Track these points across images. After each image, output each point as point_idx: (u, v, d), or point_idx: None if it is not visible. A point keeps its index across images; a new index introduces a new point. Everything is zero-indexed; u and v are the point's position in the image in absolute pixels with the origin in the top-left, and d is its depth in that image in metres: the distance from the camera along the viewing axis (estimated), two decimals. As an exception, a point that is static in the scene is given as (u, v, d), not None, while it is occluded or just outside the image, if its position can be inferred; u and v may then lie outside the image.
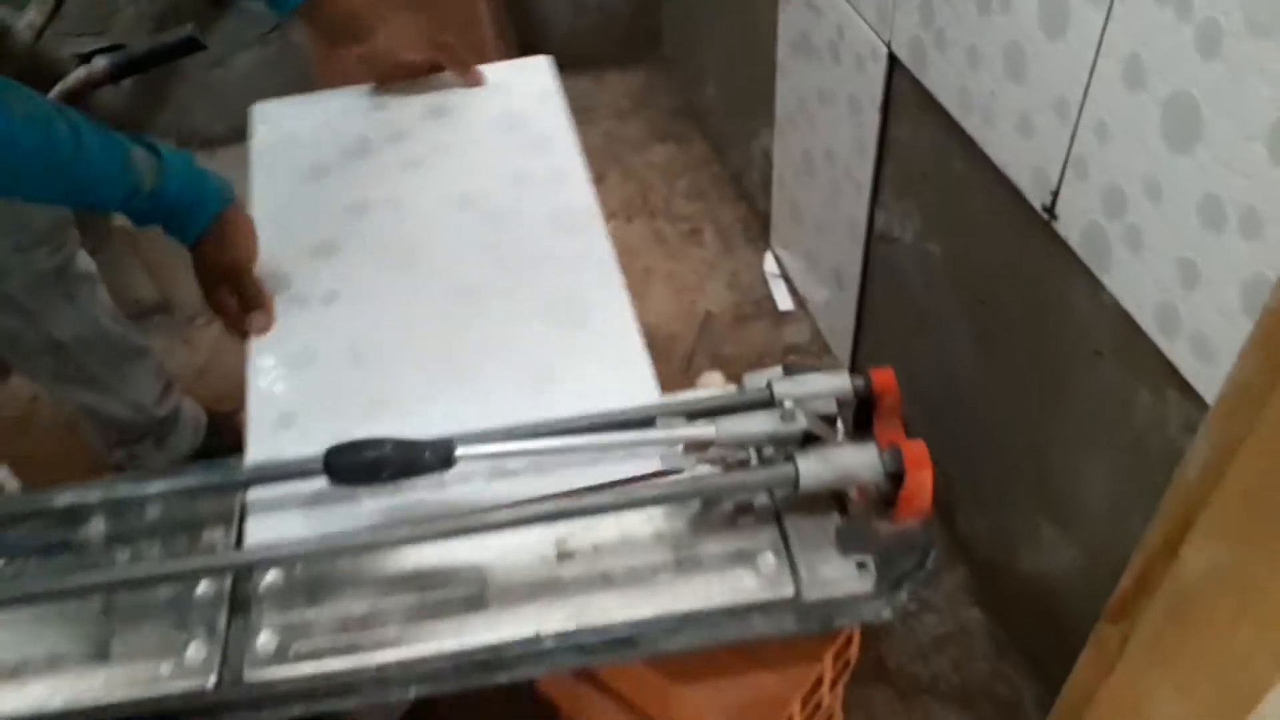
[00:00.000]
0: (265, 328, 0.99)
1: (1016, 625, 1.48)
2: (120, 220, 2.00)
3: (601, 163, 2.38)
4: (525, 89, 1.27)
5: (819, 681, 0.88)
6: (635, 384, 0.92)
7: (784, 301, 2.01)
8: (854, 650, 0.93)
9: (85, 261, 1.53)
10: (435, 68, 1.27)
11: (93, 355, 1.54)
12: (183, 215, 1.00)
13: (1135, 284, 0.98)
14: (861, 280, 1.67)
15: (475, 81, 1.26)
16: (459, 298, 1.00)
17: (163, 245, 2.00)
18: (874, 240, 1.60)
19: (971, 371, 1.39)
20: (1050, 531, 1.29)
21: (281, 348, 0.98)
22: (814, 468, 0.79)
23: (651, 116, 2.55)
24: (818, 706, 0.92)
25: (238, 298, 1.00)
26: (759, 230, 2.17)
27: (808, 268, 1.92)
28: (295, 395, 0.93)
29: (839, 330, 1.83)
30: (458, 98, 1.26)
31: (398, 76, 1.27)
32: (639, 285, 2.07)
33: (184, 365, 2.01)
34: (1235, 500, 0.72)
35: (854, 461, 0.79)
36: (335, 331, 0.98)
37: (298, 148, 1.22)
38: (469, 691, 0.78)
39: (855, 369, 1.74)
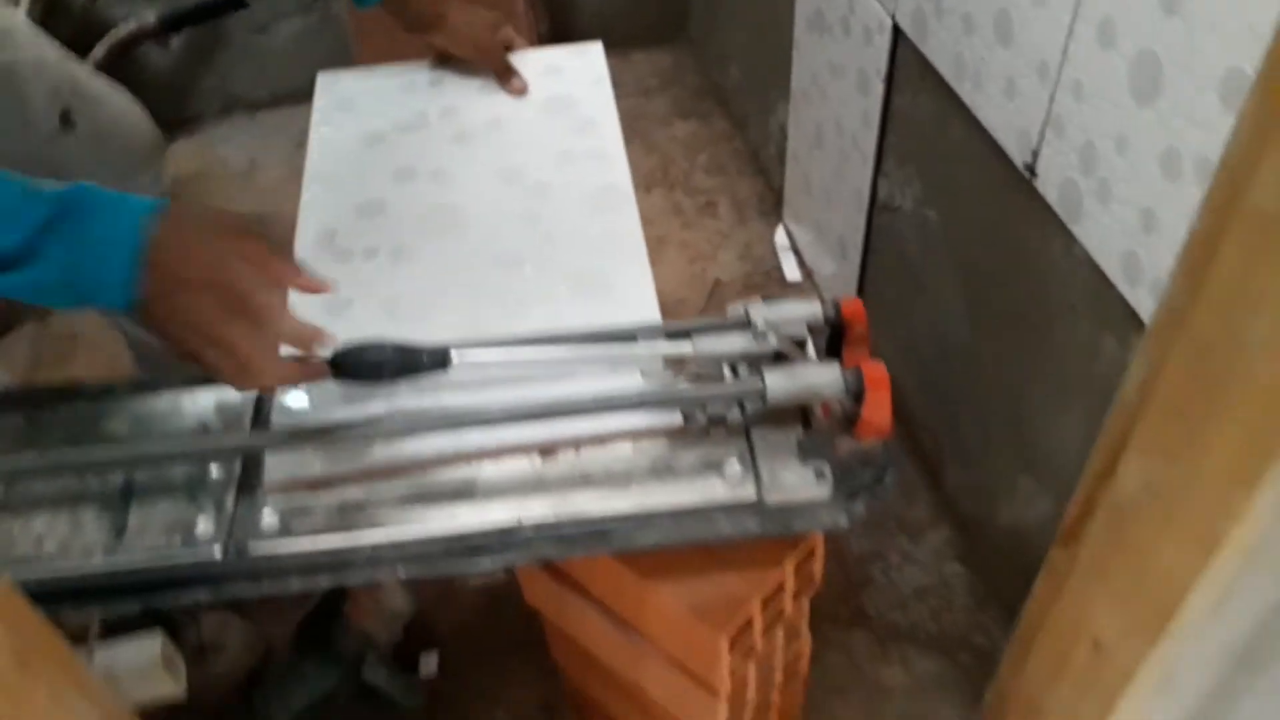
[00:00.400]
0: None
1: (996, 579, 1.54)
2: (171, 167, 2.09)
3: (625, 136, 2.42)
4: (577, 73, 1.34)
5: (780, 587, 0.94)
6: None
7: (792, 273, 2.06)
8: (817, 566, 0.99)
9: None
10: (497, 59, 1.33)
11: None
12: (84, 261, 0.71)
13: (1104, 236, 1.04)
14: (864, 250, 1.73)
15: (518, 90, 1.31)
16: (493, 264, 1.06)
17: (204, 197, 2.12)
18: (876, 210, 1.66)
19: (961, 334, 1.45)
20: (1027, 484, 1.35)
21: (319, 296, 1.04)
22: (780, 382, 0.85)
23: (676, 94, 2.62)
24: (780, 614, 0.98)
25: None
26: (773, 205, 2.23)
27: (815, 239, 1.98)
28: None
29: (843, 300, 1.88)
30: None
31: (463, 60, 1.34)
32: (653, 252, 2.11)
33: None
34: (1162, 416, 0.77)
35: (818, 378, 0.86)
36: (372, 285, 1.05)
37: (355, 115, 1.29)
38: (454, 582, 0.85)
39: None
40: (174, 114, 2.64)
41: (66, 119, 1.28)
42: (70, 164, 1.31)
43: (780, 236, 2.14)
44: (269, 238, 0.77)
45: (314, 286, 0.80)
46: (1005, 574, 1.51)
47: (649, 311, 1.00)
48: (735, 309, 0.95)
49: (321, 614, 1.37)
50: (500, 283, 1.04)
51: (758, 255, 2.14)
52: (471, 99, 1.30)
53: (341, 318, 1.00)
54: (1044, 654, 1.06)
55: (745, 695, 1.03)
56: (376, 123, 1.27)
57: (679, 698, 1.03)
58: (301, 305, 1.01)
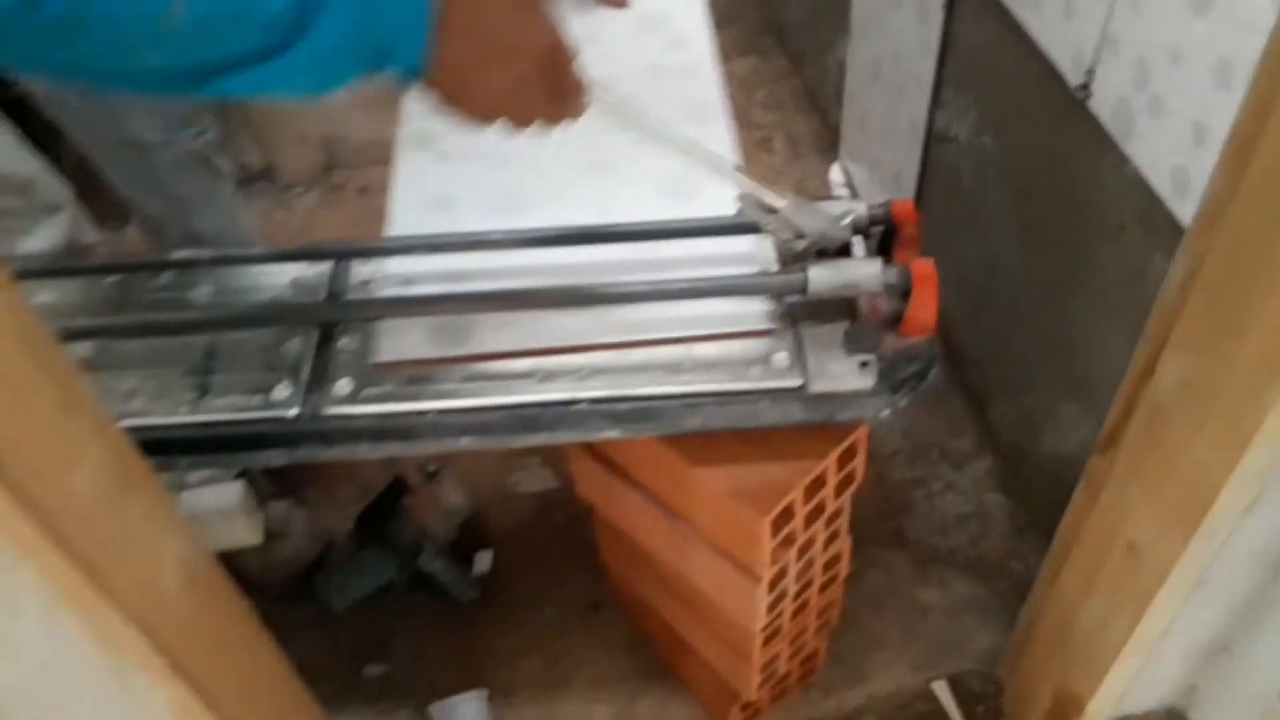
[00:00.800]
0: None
1: (1036, 508, 1.56)
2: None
3: (684, 73, 2.47)
4: None
5: (822, 479, 0.98)
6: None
7: (847, 208, 2.08)
8: (859, 463, 1.03)
9: (224, 161, 1.63)
10: None
11: None
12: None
13: (1154, 152, 1.05)
14: (919, 182, 1.75)
15: (619, 2, 1.33)
16: (585, 169, 1.11)
17: (270, 112, 2.17)
18: (932, 141, 1.67)
19: (1012, 262, 1.46)
20: (1071, 408, 1.37)
21: (420, 195, 1.11)
22: (823, 275, 0.89)
23: (737, 31, 2.63)
24: (821, 508, 1.02)
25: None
26: (830, 143, 2.24)
27: (871, 175, 2.00)
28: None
29: (896, 234, 1.90)
30: None
31: None
32: (709, 186, 2.16)
33: (281, 228, 2.17)
34: (1201, 311, 0.80)
35: (861, 272, 0.89)
36: (472, 184, 1.10)
37: None
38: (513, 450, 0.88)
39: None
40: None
41: None
42: (126, 106, 1.38)
43: (835, 173, 2.16)
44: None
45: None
46: (1045, 503, 1.54)
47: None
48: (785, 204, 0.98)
49: (381, 508, 1.43)
50: (592, 185, 1.09)
51: (810, 191, 2.16)
52: (565, 14, 1.33)
53: (443, 214, 1.07)
54: (1079, 564, 1.09)
55: (785, 585, 1.08)
56: None
57: (722, 585, 1.08)
58: (404, 200, 1.08)
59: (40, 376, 0.56)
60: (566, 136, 1.12)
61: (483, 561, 1.56)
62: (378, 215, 2.30)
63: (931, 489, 1.65)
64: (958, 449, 1.69)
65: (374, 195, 2.28)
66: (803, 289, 0.88)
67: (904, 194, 1.81)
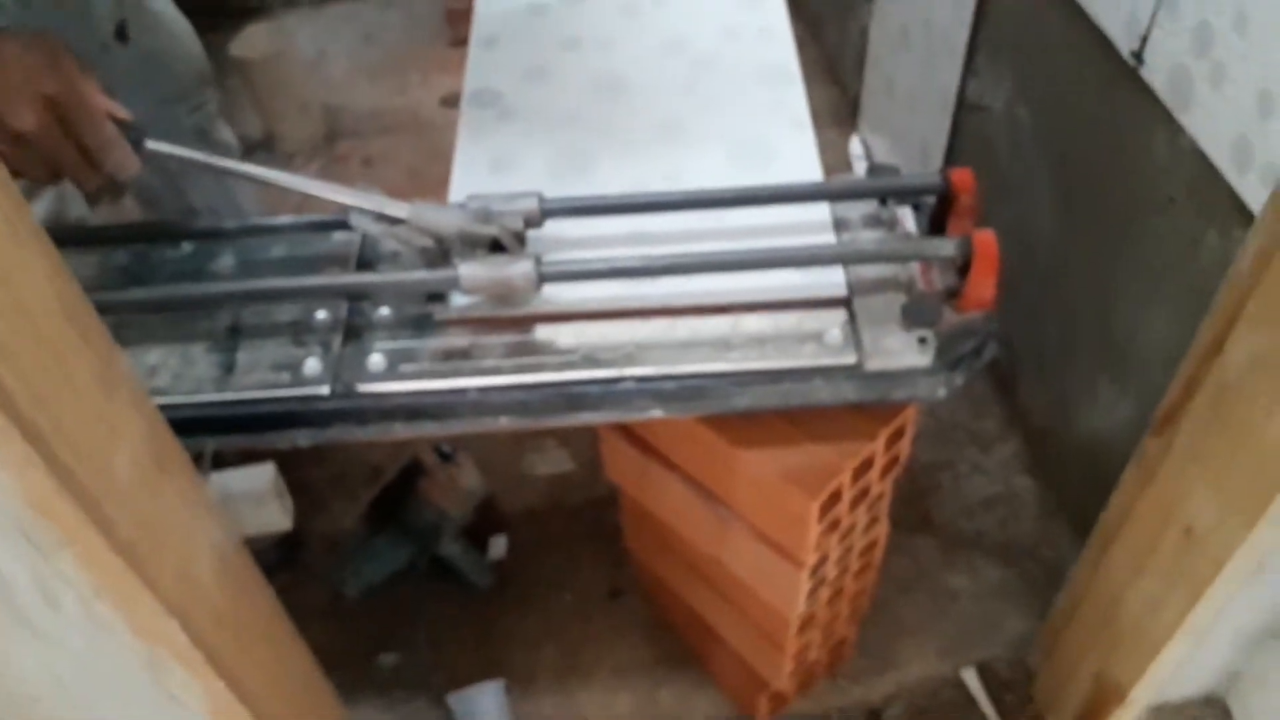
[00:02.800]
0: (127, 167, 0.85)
1: (1066, 491, 1.53)
2: (238, 51, 2.09)
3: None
4: None
5: (870, 461, 0.95)
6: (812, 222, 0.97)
7: (865, 184, 2.04)
8: (905, 444, 0.99)
9: (226, 132, 1.57)
10: None
11: None
12: None
13: (1214, 122, 1.01)
14: (947, 152, 1.71)
15: None
16: (655, 129, 1.08)
17: (272, 80, 2.11)
18: (963, 111, 1.63)
19: (1048, 235, 1.42)
20: (1108, 388, 1.33)
21: (486, 154, 1.06)
22: (877, 246, 0.85)
23: (748, 4, 2.58)
24: (866, 491, 0.98)
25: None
26: (847, 114, 2.20)
27: (894, 145, 1.95)
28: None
29: (918, 210, 1.86)
30: None
31: None
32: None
33: (282, 200, 2.11)
34: (1278, 286, 0.76)
35: (922, 245, 0.85)
36: (537, 144, 1.06)
37: None
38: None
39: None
40: (242, 2, 2.63)
41: (122, 32, 1.28)
42: (114, 78, 1.31)
43: (855, 146, 2.11)
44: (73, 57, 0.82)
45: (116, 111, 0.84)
46: (1075, 486, 1.51)
47: (813, 178, 1.02)
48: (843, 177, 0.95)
49: (396, 491, 1.39)
50: (661, 146, 1.06)
51: (830, 164, 2.09)
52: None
53: (506, 173, 1.03)
54: (1129, 546, 1.06)
55: (825, 571, 1.04)
56: None
57: (760, 570, 1.04)
58: (467, 160, 1.04)
59: (83, 349, 0.52)
60: (636, 97, 1.10)
61: (498, 546, 1.52)
62: (383, 186, 2.25)
63: (959, 471, 1.61)
64: (984, 430, 1.66)
65: (378, 166, 2.22)
66: (859, 258, 0.84)
67: (932, 165, 1.76)
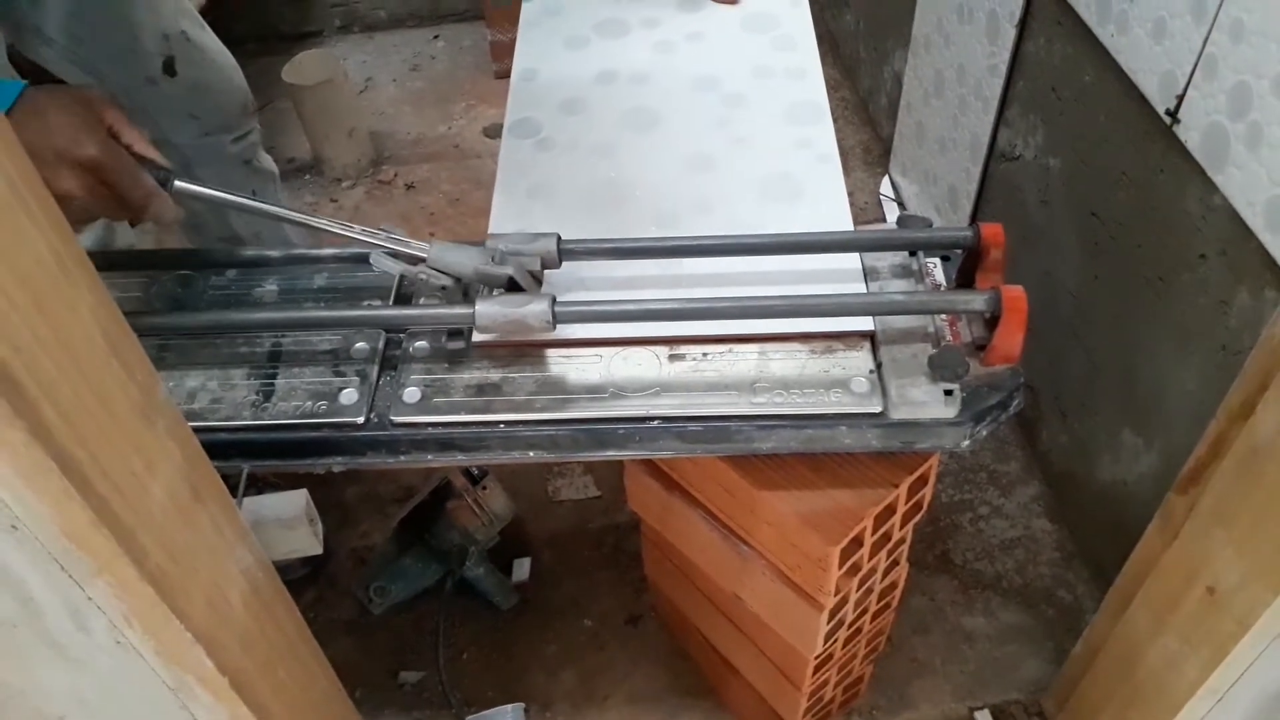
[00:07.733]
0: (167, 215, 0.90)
1: (1086, 536, 1.53)
2: (290, 76, 2.13)
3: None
4: None
5: (892, 508, 0.95)
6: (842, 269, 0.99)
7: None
8: (928, 492, 1.00)
9: (268, 160, 1.61)
10: None
11: None
12: None
13: (1249, 182, 1.01)
14: (976, 199, 1.71)
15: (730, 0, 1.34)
16: (686, 162, 1.11)
17: (322, 105, 2.15)
18: (994, 159, 1.63)
19: (1074, 283, 1.43)
20: (1131, 439, 1.33)
21: (523, 181, 1.09)
22: (907, 299, 0.85)
23: (785, 40, 2.60)
24: (887, 536, 0.99)
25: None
26: (879, 155, 2.21)
27: (923, 189, 1.96)
28: (527, 222, 1.04)
29: (948, 251, 1.87)
30: None
31: None
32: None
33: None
34: (1312, 354, 0.76)
35: (952, 299, 0.86)
36: (572, 175, 1.10)
37: (561, 21, 1.33)
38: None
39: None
40: (294, 28, 2.68)
41: (170, 67, 1.32)
42: (161, 109, 1.35)
43: (885, 187, 2.12)
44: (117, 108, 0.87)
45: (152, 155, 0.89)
46: (1095, 532, 1.50)
47: (842, 221, 1.03)
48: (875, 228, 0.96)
49: (423, 513, 1.41)
50: (692, 179, 1.08)
51: (860, 204, 2.13)
52: (672, 12, 1.33)
53: (541, 202, 1.06)
54: (1151, 601, 1.06)
55: (844, 613, 1.05)
56: (581, 28, 1.31)
57: (779, 609, 1.05)
58: (506, 187, 1.07)
59: (124, 381, 0.54)
60: (668, 132, 1.13)
61: (521, 569, 1.53)
62: (424, 211, 2.28)
63: (978, 513, 1.61)
64: (1005, 473, 1.66)
65: (420, 192, 2.26)
66: (888, 310, 0.85)
67: (960, 211, 1.77)
